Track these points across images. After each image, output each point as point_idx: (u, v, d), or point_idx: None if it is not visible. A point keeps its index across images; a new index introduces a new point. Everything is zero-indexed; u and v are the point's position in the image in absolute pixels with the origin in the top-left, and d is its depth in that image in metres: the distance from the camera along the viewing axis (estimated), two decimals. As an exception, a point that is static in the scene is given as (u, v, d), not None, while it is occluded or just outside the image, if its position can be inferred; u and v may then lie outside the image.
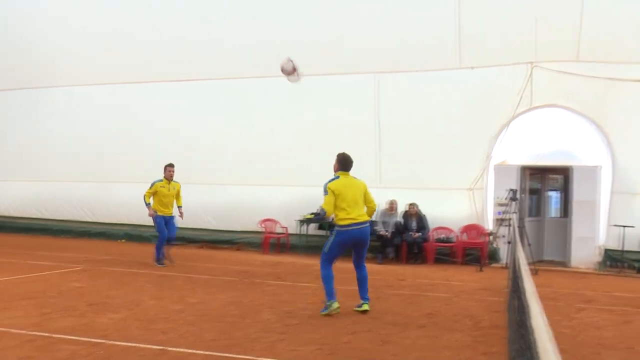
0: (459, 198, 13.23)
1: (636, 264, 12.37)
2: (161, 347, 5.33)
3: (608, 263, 12.55)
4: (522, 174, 13.36)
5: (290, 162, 14.14)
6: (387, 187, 13.22)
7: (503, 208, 12.04)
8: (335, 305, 7.03)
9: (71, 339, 5.57)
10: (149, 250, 11.87)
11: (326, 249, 7.21)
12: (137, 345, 5.41)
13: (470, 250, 13.11)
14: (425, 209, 13.22)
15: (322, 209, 7.09)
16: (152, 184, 11.01)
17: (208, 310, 7.09)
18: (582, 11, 11.74)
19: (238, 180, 14.62)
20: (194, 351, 5.25)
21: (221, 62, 14.40)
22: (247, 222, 14.35)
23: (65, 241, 15.23)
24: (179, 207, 11.25)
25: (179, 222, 11.40)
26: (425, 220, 13.26)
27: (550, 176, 14.31)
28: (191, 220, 15.02)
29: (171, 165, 11.12)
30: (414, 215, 13.18)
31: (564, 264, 13.08)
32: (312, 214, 13.99)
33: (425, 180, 13.24)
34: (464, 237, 13.17)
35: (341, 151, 7.53)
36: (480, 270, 12.02)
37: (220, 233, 14.84)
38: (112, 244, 14.96)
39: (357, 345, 5.66)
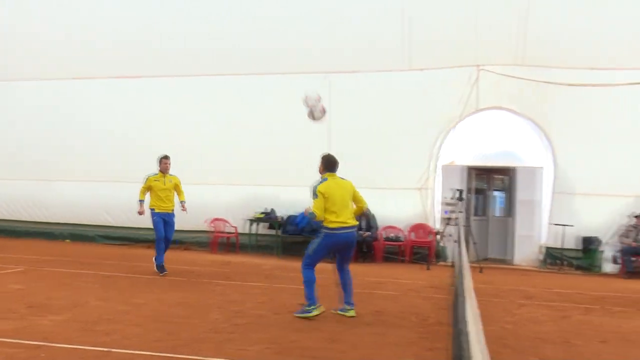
0: (407, 198, 13.43)
1: (574, 262, 12.83)
2: (105, 349, 5.21)
3: (548, 261, 12.99)
4: (469, 174, 13.69)
5: (240, 161, 14.05)
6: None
7: (450, 207, 12.29)
8: (320, 309, 6.87)
9: (9, 342, 5.38)
10: (94, 250, 11.58)
11: (310, 251, 6.95)
12: (80, 347, 5.27)
13: (418, 249, 13.33)
14: (374, 209, 13.34)
15: (311, 214, 6.85)
16: (146, 178, 10.15)
17: (154, 311, 6.97)
18: (527, 16, 12.10)
19: (187, 180, 14.37)
20: (139, 352, 5.15)
21: (171, 59, 14.16)
22: (195, 221, 14.15)
23: (4, 241, 14.69)
24: (182, 202, 10.29)
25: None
26: (374, 219, 13.40)
27: (495, 176, 14.69)
28: (139, 220, 14.76)
29: (166, 157, 10.26)
30: (363, 215, 13.30)
31: (508, 261, 13.46)
32: (262, 213, 13.97)
33: (374, 179, 13.35)
34: (412, 236, 13.37)
35: (326, 152, 7.39)
36: (428, 268, 12.24)
37: (169, 233, 14.59)
38: (56, 244, 14.53)
39: (305, 344, 5.66)
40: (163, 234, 10.00)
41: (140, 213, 10.06)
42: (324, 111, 8.33)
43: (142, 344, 5.44)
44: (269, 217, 13.95)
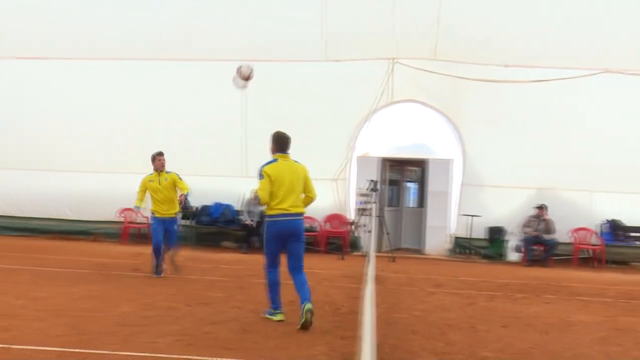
0: (322, 188, 13.37)
1: (482, 251, 13.39)
2: (3, 345, 4.91)
3: (457, 250, 13.49)
4: (383, 165, 13.95)
5: (154, 149, 13.58)
6: (254, 177, 13.08)
7: (364, 198, 12.49)
8: (279, 317, 6.27)
9: None
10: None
11: (263, 245, 6.38)
12: (-26, 344, 4.95)
13: (333, 239, 13.47)
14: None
15: (256, 196, 6.23)
16: (141, 182, 9.02)
17: (58, 305, 6.65)
18: (440, 11, 12.43)
19: (96, 167, 13.84)
20: (42, 348, 4.90)
21: (76, 40, 13.50)
22: (104, 211, 13.62)
23: None
24: (182, 195, 9.03)
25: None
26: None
27: (409, 168, 15.07)
28: (44, 211, 14.06)
29: (160, 154, 9.06)
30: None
31: (419, 251, 13.86)
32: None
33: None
34: (327, 227, 13.49)
35: (276, 130, 6.54)
36: (342, 258, 12.39)
37: (74, 223, 14.00)
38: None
39: (219, 335, 5.58)
40: (158, 244, 8.83)
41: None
42: (247, 79, 8.22)
43: (45, 339, 5.18)
44: (182, 207, 13.60)
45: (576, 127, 12.91)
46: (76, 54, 13.49)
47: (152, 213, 9.09)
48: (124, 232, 13.66)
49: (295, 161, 6.42)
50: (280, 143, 6.37)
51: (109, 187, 13.74)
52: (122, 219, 13.73)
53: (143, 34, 13.14)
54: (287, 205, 6.13)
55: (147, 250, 12.33)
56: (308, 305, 5.92)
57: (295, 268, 6.20)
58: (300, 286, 6.09)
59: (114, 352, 4.87)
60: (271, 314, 6.31)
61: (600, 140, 12.86)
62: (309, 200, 6.41)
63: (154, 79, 13.58)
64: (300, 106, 13.20)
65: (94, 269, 9.47)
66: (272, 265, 6.30)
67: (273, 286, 6.30)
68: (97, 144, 13.85)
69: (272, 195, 6.12)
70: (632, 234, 13.22)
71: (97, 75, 13.79)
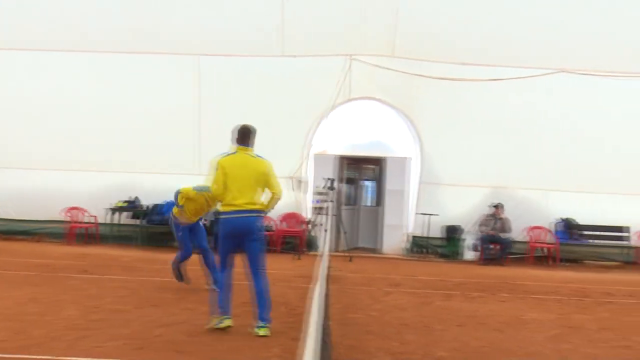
0: (279, 186, 13.33)
1: (439, 250, 13.45)
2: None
3: (414, 249, 13.51)
4: (340, 163, 13.87)
5: (102, 146, 13.19)
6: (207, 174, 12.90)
7: (321, 197, 12.36)
8: (226, 323, 5.72)
9: None
10: None
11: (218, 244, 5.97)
12: None
13: (289, 239, 13.30)
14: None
15: (206, 187, 5.89)
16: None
17: (1, 309, 6.34)
18: (398, 8, 12.43)
19: (41, 165, 13.29)
20: (-21, 355, 4.63)
21: (21, 31, 12.97)
22: (49, 210, 13.10)
23: None
24: None
25: None
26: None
27: (366, 166, 15.02)
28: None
29: None
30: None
31: (377, 250, 13.83)
32: (126, 201, 13.27)
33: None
34: (284, 226, 13.33)
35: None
36: (298, 258, 12.23)
37: (16, 223, 13.39)
38: None
39: (169, 338, 5.42)
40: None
41: None
42: None
43: (-17, 345, 4.90)
44: (132, 206, 13.28)
45: (532, 126, 13.10)
46: (21, 45, 12.95)
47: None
48: (69, 232, 13.19)
49: (258, 156, 5.95)
50: (241, 134, 5.91)
51: (53, 186, 13.20)
52: (67, 219, 13.24)
53: (92, 27, 12.73)
54: (241, 201, 5.69)
55: (95, 250, 12.00)
56: (262, 331, 5.57)
57: (253, 271, 5.80)
58: (259, 297, 5.69)
59: (58, 358, 4.67)
60: (219, 323, 5.72)
61: (556, 139, 13.07)
62: (273, 198, 5.90)
63: (102, 73, 13.16)
64: (256, 102, 12.97)
65: (39, 271, 9.09)
66: (223, 266, 5.88)
67: (222, 289, 5.84)
68: (41, 140, 13.30)
69: (227, 189, 5.71)
70: (586, 233, 13.48)
71: (41, 69, 13.28)
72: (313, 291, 2.75)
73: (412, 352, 5.42)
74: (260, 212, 5.86)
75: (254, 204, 5.78)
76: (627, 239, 13.47)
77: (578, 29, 12.49)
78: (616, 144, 13.07)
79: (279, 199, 5.96)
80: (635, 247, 13.37)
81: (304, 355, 1.46)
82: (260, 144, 13.84)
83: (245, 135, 5.91)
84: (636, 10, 12.56)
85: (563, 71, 12.81)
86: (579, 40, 12.64)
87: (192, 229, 7.83)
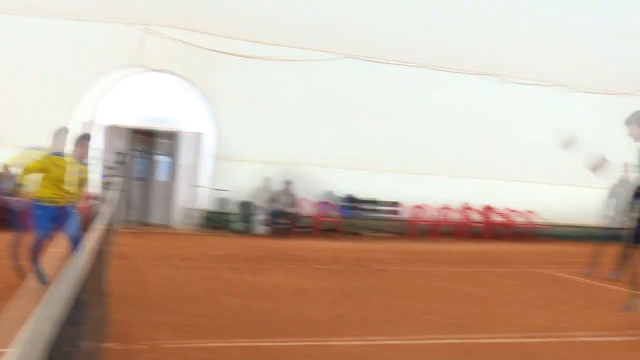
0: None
1: (232, 225, 13.64)
2: None
3: (209, 224, 13.54)
4: (132, 137, 13.35)
5: None
6: None
7: (110, 171, 11.82)
8: None
9: None
10: None
11: None
12: None
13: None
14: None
15: None
16: None
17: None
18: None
19: None
20: None
21: None
22: None
23: None
24: None
25: None
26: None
27: (160, 140, 14.61)
28: None
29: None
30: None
31: (169, 226, 13.62)
32: None
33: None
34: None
35: None
36: (84, 234, 11.59)
37: None
38: None
39: None
40: None
41: None
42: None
43: None
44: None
45: (323, 107, 13.78)
46: None
47: None
48: None
49: None
50: None
51: None
52: None
53: None
54: None
55: None
56: None
57: None
58: None
59: None
60: None
61: (343, 120, 13.90)
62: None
63: None
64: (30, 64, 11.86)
65: None
66: None
67: None
68: None
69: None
70: (364, 207, 14.68)
71: None
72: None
73: (197, 325, 5.51)
74: None
75: None
76: (401, 213, 14.93)
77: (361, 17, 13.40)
78: (395, 126, 14.29)
79: None
80: (407, 220, 14.85)
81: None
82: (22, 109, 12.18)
83: None
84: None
85: (351, 57, 13.69)
86: (366, 29, 13.56)
87: None
